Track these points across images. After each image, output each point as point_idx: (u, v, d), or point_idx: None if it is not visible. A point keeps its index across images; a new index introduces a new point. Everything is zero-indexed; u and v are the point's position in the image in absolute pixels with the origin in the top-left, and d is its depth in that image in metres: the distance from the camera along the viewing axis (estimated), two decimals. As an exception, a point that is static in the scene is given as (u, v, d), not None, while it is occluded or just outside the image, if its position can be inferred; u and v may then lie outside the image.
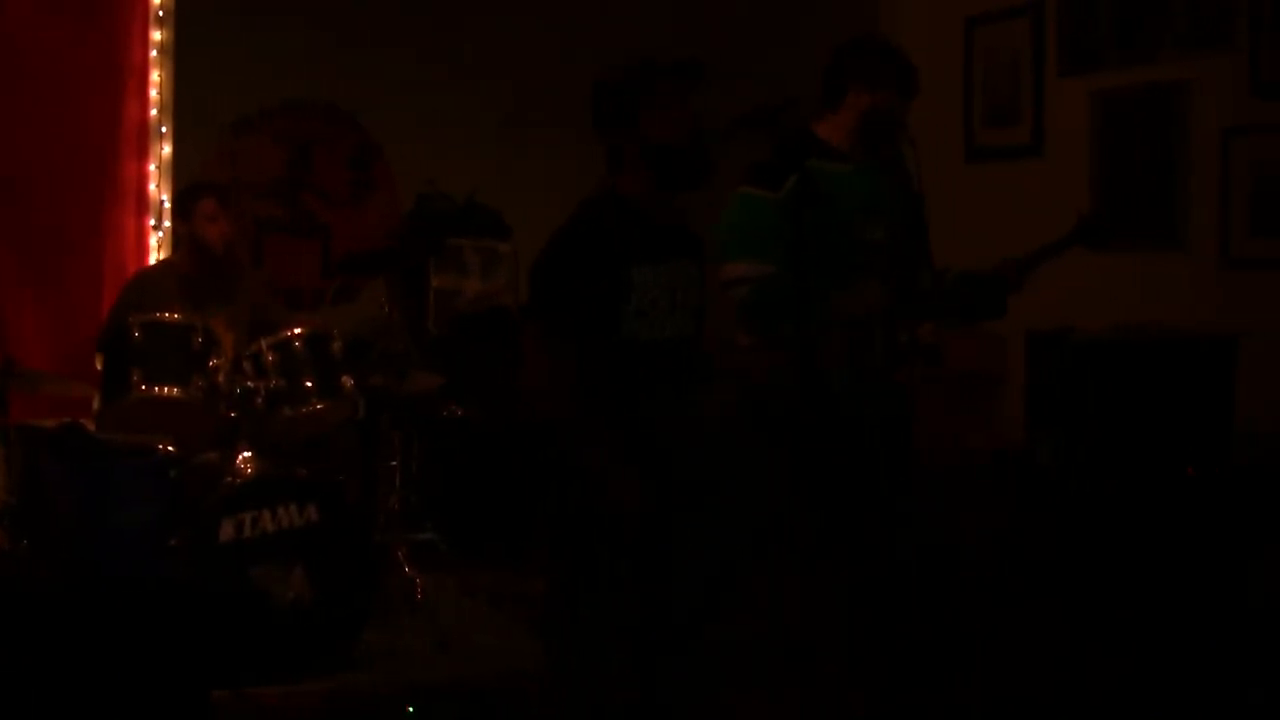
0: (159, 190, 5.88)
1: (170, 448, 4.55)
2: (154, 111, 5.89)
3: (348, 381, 4.76)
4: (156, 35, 5.89)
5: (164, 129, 5.91)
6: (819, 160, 3.71)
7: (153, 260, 5.76)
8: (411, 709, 4.13)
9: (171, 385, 4.54)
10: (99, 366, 4.64)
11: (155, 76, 5.88)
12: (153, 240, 5.87)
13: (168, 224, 5.86)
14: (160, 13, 5.89)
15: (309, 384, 4.66)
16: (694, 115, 3.28)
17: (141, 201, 5.87)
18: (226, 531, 4.33)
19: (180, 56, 5.94)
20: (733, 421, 3.56)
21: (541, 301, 3.31)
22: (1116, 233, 3.89)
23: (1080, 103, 6.04)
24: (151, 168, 5.87)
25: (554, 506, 3.34)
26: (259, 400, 4.59)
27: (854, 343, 3.60)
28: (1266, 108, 5.37)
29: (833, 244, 3.65)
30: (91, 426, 4.62)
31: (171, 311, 4.80)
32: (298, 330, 4.74)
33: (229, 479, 4.45)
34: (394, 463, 5.25)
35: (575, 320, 3.24)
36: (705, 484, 3.31)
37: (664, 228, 3.32)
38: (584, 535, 3.24)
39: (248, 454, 4.54)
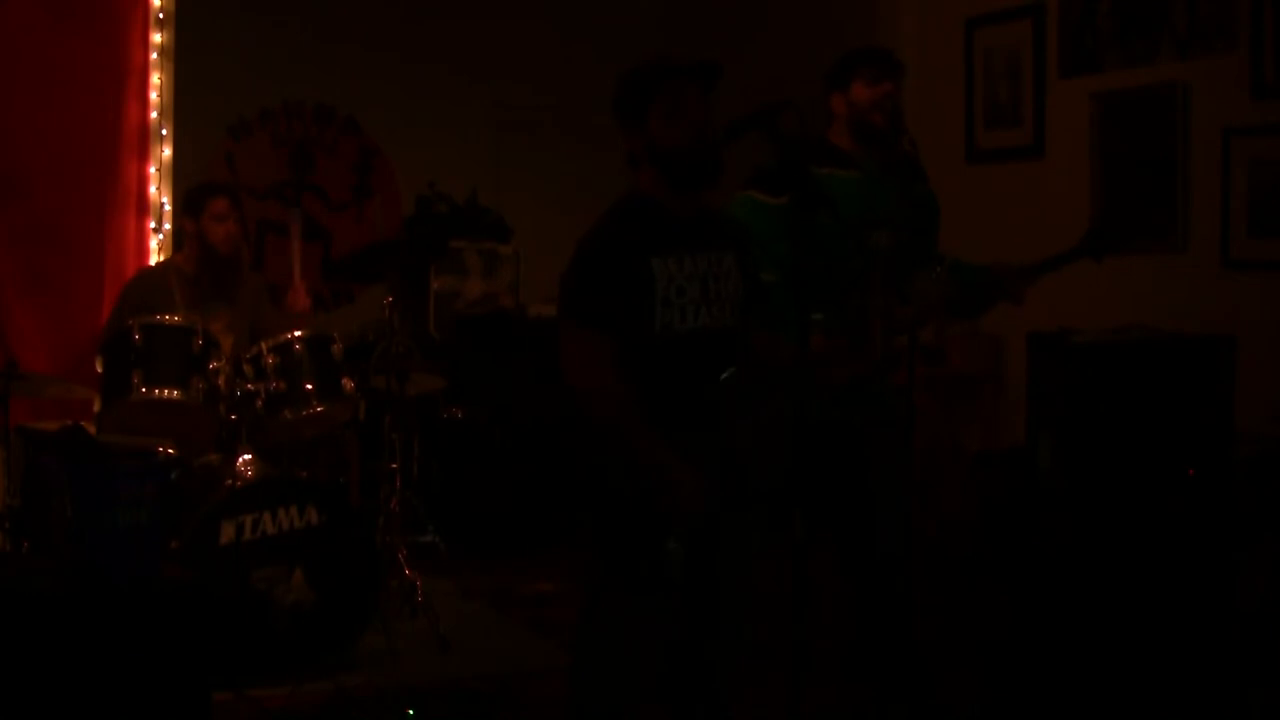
0: (159, 192, 5.88)
1: (171, 450, 4.56)
2: (154, 114, 5.88)
3: (348, 384, 4.77)
4: (157, 37, 5.89)
5: (164, 131, 5.90)
6: (829, 167, 3.74)
7: (153, 262, 5.75)
8: (411, 709, 4.13)
9: (172, 388, 4.54)
10: (99, 369, 4.65)
11: (155, 79, 5.88)
12: (153, 242, 5.86)
13: (168, 226, 5.86)
14: (160, 15, 5.89)
15: (309, 386, 4.67)
16: (698, 117, 3.26)
17: (142, 203, 5.87)
18: (227, 533, 4.34)
19: (180, 59, 5.94)
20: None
21: (573, 302, 3.26)
22: (1124, 243, 3.82)
23: (1081, 104, 6.03)
24: (152, 170, 5.87)
25: (601, 507, 3.29)
26: (259, 403, 4.60)
27: (847, 349, 3.59)
28: (1266, 108, 5.35)
29: (836, 249, 3.65)
30: (92, 429, 4.62)
31: (173, 310, 4.81)
32: (298, 333, 4.74)
33: (229, 481, 4.45)
34: (395, 464, 5.26)
35: (609, 315, 3.21)
36: (743, 481, 3.28)
37: (686, 221, 3.31)
38: (638, 537, 3.19)
39: (248, 456, 4.55)
